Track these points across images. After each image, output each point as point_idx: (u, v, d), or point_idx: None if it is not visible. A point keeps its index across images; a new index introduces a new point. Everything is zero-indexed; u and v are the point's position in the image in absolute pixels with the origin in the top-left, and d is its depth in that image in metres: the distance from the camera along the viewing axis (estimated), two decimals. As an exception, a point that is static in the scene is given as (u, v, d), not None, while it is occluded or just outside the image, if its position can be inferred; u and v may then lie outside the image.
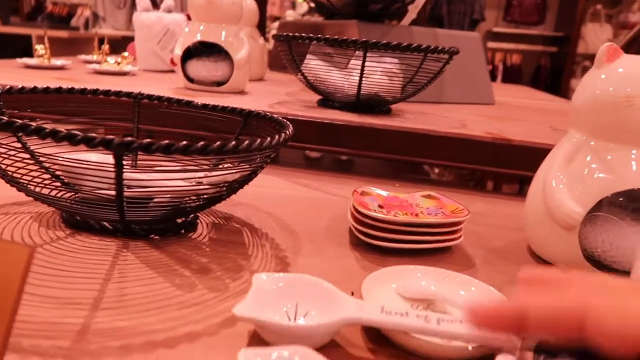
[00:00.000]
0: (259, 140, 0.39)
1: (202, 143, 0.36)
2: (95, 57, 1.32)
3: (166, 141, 0.35)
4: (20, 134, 0.38)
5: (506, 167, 0.70)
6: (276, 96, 1.00)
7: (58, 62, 1.17)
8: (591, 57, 4.01)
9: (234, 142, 0.37)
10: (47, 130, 0.34)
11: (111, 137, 0.34)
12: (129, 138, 0.34)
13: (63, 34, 3.18)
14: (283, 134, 0.42)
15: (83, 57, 1.42)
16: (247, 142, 0.38)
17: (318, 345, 0.30)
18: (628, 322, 0.22)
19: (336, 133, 0.73)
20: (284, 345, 0.27)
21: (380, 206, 0.48)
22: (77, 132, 0.34)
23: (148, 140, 0.35)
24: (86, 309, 0.32)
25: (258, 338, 0.31)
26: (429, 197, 0.51)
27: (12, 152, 0.39)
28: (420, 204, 0.50)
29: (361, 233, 0.46)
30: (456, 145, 0.71)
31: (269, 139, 0.40)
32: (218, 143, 0.36)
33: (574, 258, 0.43)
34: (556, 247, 0.45)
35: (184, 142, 0.35)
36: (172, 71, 1.17)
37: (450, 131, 0.73)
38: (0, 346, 0.22)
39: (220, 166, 0.44)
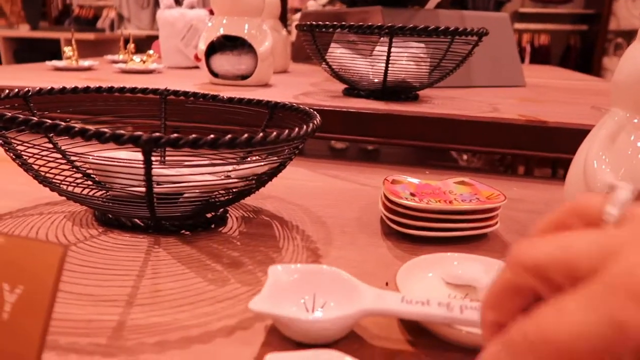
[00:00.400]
0: (287, 131, 0.38)
1: (229, 136, 0.35)
2: (121, 57, 1.33)
3: (194, 135, 0.34)
4: (50, 134, 0.38)
5: (542, 150, 0.68)
6: (301, 87, 0.99)
7: (86, 63, 1.19)
8: (624, 34, 3.87)
9: (261, 134, 0.36)
10: (76, 129, 0.34)
11: (139, 133, 0.34)
12: (157, 134, 0.34)
13: (90, 36, 3.24)
14: (311, 124, 0.41)
15: (109, 57, 1.44)
16: (275, 133, 0.37)
17: (337, 338, 0.29)
18: None
19: (363, 122, 0.72)
20: (301, 338, 0.27)
21: (412, 194, 0.47)
22: (105, 129, 0.34)
23: (176, 135, 0.34)
24: (121, 305, 0.32)
25: (276, 332, 0.30)
26: (463, 184, 0.50)
27: (44, 153, 0.39)
28: (454, 190, 0.48)
29: (393, 222, 0.45)
30: (489, 129, 0.69)
31: (296, 129, 0.39)
32: (246, 135, 0.36)
33: (620, 242, 0.41)
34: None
35: (212, 136, 0.35)
36: (197, 67, 1.18)
37: (481, 115, 0.71)
38: (38, 344, 0.22)
39: (249, 159, 0.44)
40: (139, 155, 0.36)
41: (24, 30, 3.65)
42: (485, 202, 0.45)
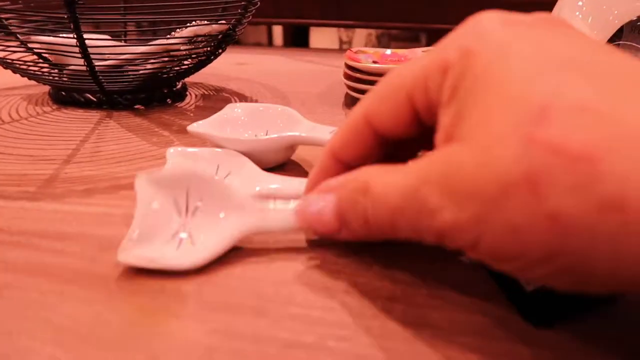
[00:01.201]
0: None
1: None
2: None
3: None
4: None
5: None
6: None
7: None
8: None
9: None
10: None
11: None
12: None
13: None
14: (257, -19, 0.39)
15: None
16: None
17: (271, 162, 0.30)
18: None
19: (342, 4, 0.68)
20: None
21: (375, 62, 0.45)
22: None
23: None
24: (58, 163, 0.32)
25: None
26: (432, 52, 0.47)
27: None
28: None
29: (353, 90, 0.43)
30: (479, 4, 0.65)
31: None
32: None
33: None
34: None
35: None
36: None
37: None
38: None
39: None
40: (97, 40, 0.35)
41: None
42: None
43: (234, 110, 0.33)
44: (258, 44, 1.83)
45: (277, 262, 0.22)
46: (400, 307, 0.19)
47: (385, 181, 0.17)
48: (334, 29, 2.61)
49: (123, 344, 0.17)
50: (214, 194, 0.22)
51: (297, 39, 1.51)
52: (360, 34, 2.74)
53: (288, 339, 0.17)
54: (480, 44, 0.16)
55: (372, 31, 2.55)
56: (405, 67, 0.19)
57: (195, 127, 0.30)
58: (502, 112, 0.14)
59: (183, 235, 0.22)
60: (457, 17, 0.20)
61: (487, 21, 0.17)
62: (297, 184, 0.25)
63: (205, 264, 0.21)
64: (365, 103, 0.20)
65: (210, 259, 0.21)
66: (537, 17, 0.18)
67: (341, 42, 2.77)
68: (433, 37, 1.44)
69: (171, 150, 0.28)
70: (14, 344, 0.17)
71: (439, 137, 0.17)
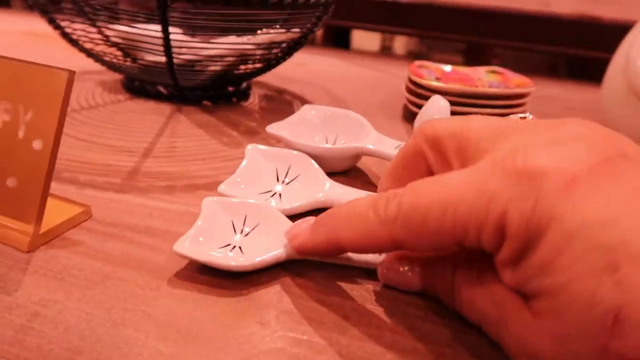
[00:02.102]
0: (306, -3, 0.37)
1: (245, -5, 0.35)
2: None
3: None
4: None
5: (594, 50, 0.63)
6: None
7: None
8: None
9: (279, -3, 0.36)
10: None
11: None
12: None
13: None
14: (334, -6, 0.40)
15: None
16: (293, -3, 0.36)
17: (341, 168, 0.33)
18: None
19: (397, 12, 0.68)
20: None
21: (438, 78, 0.45)
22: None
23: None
24: (138, 155, 0.34)
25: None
26: (494, 72, 0.48)
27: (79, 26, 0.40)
28: (483, 78, 0.46)
29: (414, 105, 0.44)
30: (533, 24, 0.64)
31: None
32: (262, -4, 0.35)
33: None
34: (637, 129, 0.40)
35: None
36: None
37: (529, 8, 0.66)
38: (49, 161, 0.24)
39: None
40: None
41: None
42: (512, 88, 0.43)
43: (309, 112, 0.35)
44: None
45: (351, 279, 0.23)
46: (474, 336, 0.20)
47: (436, 196, 0.18)
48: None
49: (217, 344, 0.19)
50: (269, 222, 0.25)
51: (339, 38, 1.51)
52: (401, 37, 2.72)
53: (369, 359, 0.19)
54: (543, 218, 0.15)
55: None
56: (442, 205, 0.17)
57: (273, 128, 0.33)
58: (576, 314, 0.15)
59: (235, 245, 0.24)
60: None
61: (553, 178, 0.16)
62: (355, 195, 0.28)
63: (251, 269, 0.22)
64: (396, 233, 0.19)
65: (255, 267, 0.22)
66: (604, 165, 0.16)
67: (383, 42, 2.76)
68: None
69: (249, 147, 0.31)
70: (120, 334, 0.19)
71: (502, 278, 0.18)
